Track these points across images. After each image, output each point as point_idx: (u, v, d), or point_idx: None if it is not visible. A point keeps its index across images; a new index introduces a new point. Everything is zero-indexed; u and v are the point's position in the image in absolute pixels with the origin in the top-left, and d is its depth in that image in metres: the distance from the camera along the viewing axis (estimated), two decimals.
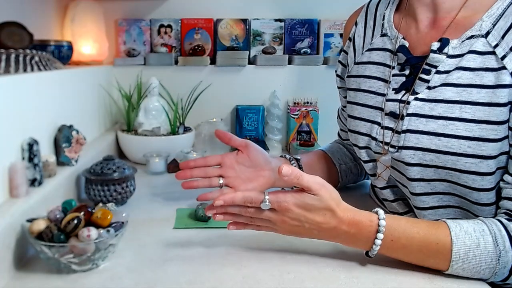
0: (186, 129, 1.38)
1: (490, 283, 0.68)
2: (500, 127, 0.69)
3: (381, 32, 0.88)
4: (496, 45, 0.70)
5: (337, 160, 1.02)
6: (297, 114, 1.50)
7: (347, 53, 0.96)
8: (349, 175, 1.03)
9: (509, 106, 0.69)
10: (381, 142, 0.81)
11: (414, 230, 0.68)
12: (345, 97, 0.99)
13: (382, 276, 0.68)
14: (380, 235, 0.67)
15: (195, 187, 0.90)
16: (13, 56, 0.83)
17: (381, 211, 0.69)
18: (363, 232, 0.68)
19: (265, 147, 1.38)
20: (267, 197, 0.67)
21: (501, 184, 0.72)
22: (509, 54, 0.69)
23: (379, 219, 0.68)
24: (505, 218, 0.68)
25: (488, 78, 0.70)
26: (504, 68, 0.69)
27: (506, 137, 0.70)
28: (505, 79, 0.69)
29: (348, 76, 0.93)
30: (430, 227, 0.68)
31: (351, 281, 0.66)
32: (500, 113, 0.69)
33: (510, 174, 0.70)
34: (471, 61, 0.72)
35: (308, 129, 1.51)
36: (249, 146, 0.92)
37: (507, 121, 0.69)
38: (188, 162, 0.92)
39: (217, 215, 0.71)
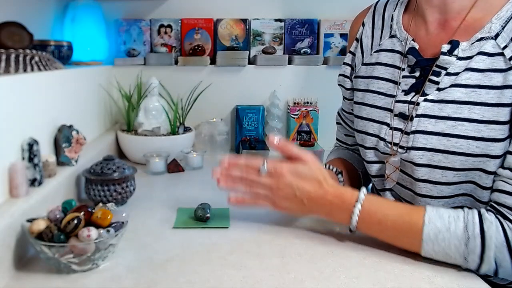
0: (186, 129, 1.38)
1: (491, 283, 0.68)
2: (507, 126, 0.70)
3: (390, 34, 0.87)
4: (505, 47, 0.71)
5: (357, 165, 1.00)
6: (297, 114, 1.50)
7: (354, 54, 0.95)
8: (367, 178, 1.02)
9: None
10: (390, 143, 0.81)
11: (391, 207, 0.74)
12: (351, 100, 0.98)
13: (382, 276, 0.68)
14: (358, 205, 0.74)
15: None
16: (13, 56, 0.83)
17: (364, 188, 0.76)
18: (345, 204, 0.75)
19: (265, 147, 1.38)
20: (265, 162, 0.78)
21: (494, 177, 0.72)
22: None
23: (360, 193, 0.75)
24: (486, 209, 0.70)
25: (497, 79, 0.70)
26: (511, 68, 0.69)
27: (510, 136, 0.70)
28: None
29: (356, 77, 0.93)
30: (407, 208, 0.74)
31: (351, 281, 0.66)
32: (508, 113, 0.70)
33: (503, 168, 0.71)
34: (480, 62, 0.72)
35: (308, 129, 1.51)
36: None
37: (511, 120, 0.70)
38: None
39: (221, 181, 0.80)
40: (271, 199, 0.80)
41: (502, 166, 0.71)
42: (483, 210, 0.69)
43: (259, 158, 0.80)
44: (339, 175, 0.93)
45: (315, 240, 0.79)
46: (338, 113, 1.08)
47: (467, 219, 0.68)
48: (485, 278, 0.69)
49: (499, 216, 0.68)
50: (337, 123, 1.09)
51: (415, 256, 0.72)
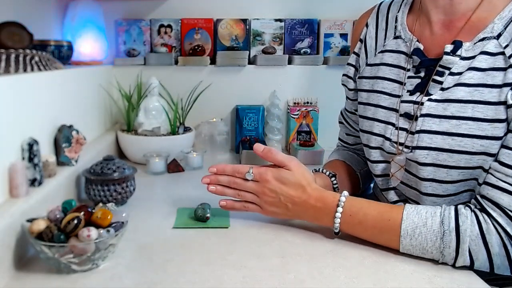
0: (186, 129, 1.38)
1: (490, 282, 0.68)
2: (505, 124, 0.71)
3: (394, 35, 0.88)
4: (506, 46, 0.72)
5: (355, 166, 1.01)
6: (297, 114, 1.50)
7: (358, 55, 0.96)
8: (366, 179, 1.03)
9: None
10: (395, 142, 0.82)
11: (371, 207, 0.76)
12: (354, 100, 0.98)
13: (382, 276, 0.68)
14: (340, 209, 0.76)
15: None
16: (13, 56, 0.83)
17: (345, 192, 0.78)
18: (327, 207, 0.77)
19: None
20: (251, 169, 0.82)
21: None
22: None
23: (341, 196, 0.77)
24: (465, 204, 0.72)
25: (498, 77, 0.71)
26: (511, 66, 0.70)
27: (506, 133, 0.71)
28: (511, 77, 0.70)
29: (360, 77, 0.93)
30: (386, 207, 0.76)
31: (351, 281, 0.66)
32: (505, 111, 0.70)
33: (494, 160, 0.71)
34: (483, 61, 0.73)
35: (308, 129, 1.51)
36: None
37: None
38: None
39: (210, 186, 0.84)
40: (258, 204, 0.83)
41: (495, 159, 0.71)
42: (460, 206, 0.71)
43: (246, 165, 0.83)
44: (333, 178, 0.92)
45: (315, 240, 0.79)
46: (341, 112, 1.09)
47: (443, 214, 0.70)
48: (485, 276, 0.69)
49: (476, 210, 0.70)
50: (340, 122, 1.10)
51: (415, 256, 0.72)
